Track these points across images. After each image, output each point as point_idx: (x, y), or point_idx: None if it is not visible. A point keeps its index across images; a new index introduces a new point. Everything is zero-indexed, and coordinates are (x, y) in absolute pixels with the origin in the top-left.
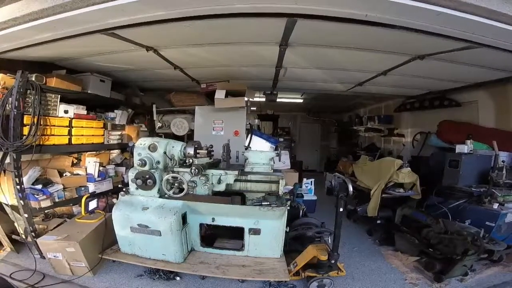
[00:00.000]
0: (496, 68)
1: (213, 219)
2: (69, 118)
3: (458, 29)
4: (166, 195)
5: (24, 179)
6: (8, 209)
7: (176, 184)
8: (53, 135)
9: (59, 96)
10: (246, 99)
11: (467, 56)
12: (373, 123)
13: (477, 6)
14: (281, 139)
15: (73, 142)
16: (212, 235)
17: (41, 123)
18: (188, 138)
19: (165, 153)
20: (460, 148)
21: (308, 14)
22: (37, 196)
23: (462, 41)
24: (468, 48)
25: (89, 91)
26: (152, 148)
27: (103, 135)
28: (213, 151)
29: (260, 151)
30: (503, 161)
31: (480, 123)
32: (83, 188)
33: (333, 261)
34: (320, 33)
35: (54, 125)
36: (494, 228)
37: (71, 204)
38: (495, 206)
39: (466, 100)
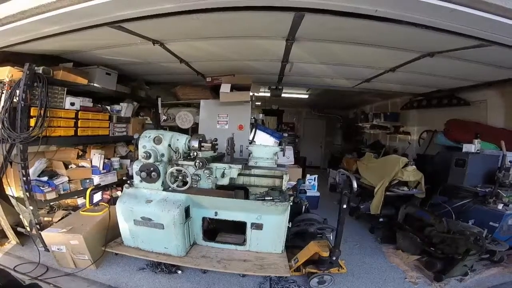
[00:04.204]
0: (507, 67)
1: (216, 213)
2: (75, 110)
3: (471, 26)
4: (170, 188)
5: (30, 171)
6: (13, 201)
7: (180, 177)
8: (59, 127)
9: (65, 88)
10: (251, 93)
11: (478, 54)
12: (379, 120)
13: (490, 4)
14: (285, 134)
15: (79, 134)
16: (214, 229)
17: (48, 115)
18: (192, 131)
19: (169, 145)
20: (467, 148)
21: (316, 8)
22: (42, 188)
23: (474, 39)
24: (480, 46)
25: (95, 84)
26: (157, 140)
27: (109, 127)
28: (217, 144)
29: (264, 145)
30: (510, 162)
31: (488, 123)
32: (88, 181)
33: (334, 258)
34: (328, 28)
35: (60, 117)
36: (498, 228)
37: (76, 197)
38: (500, 206)
39: (475, 99)
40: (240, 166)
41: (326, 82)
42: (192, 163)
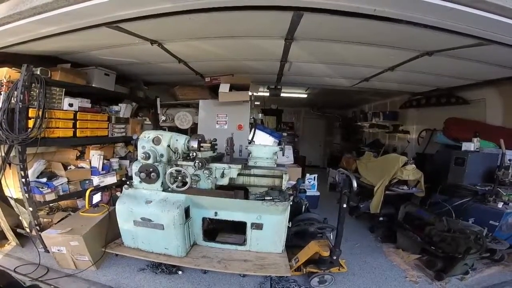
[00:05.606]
0: (506, 66)
1: (216, 213)
2: (74, 111)
3: (470, 25)
4: (169, 189)
5: (29, 172)
6: (13, 203)
7: (179, 178)
8: (58, 128)
9: (63, 89)
10: (250, 93)
11: (477, 53)
12: (378, 119)
13: (490, 3)
14: (285, 134)
15: (77, 135)
16: (215, 229)
17: (46, 116)
18: (191, 131)
19: (168, 146)
20: (467, 146)
21: (315, 7)
22: (41, 190)
23: (473, 38)
24: (479, 45)
25: (93, 85)
26: (156, 141)
27: (108, 128)
28: (216, 144)
29: (264, 145)
30: (509, 160)
31: (487, 121)
32: (87, 181)
33: (334, 257)
34: (327, 27)
35: (59, 118)
36: (498, 227)
37: (75, 198)
38: (500, 205)
39: (473, 97)
40: (239, 166)
41: (325, 81)
42: (191, 163)
